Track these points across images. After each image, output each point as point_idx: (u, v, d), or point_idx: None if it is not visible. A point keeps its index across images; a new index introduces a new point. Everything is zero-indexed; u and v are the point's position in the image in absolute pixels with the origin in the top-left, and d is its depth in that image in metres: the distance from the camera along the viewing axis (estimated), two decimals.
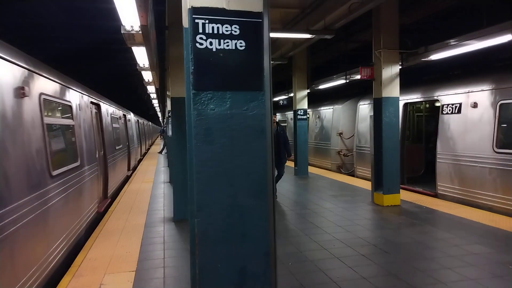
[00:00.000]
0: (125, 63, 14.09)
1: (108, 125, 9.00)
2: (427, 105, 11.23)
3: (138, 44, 5.52)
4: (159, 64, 9.32)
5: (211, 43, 1.78)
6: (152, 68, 7.67)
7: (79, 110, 6.20)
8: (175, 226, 6.40)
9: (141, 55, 6.88)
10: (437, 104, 9.90)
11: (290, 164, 14.71)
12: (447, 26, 8.40)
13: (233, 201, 1.81)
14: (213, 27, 1.78)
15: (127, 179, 12.33)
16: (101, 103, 8.21)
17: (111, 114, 9.49)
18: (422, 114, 11.51)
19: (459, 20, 8.36)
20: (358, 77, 10.14)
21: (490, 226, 5.97)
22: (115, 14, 4.84)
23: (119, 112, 11.09)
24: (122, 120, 11.67)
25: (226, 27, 1.80)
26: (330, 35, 8.20)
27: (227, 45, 1.80)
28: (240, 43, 1.82)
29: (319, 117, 14.44)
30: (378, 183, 7.76)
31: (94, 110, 7.53)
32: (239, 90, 1.82)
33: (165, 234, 5.94)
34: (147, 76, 9.32)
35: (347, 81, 10.69)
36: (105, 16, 8.46)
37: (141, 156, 20.82)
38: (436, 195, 8.51)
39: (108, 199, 8.24)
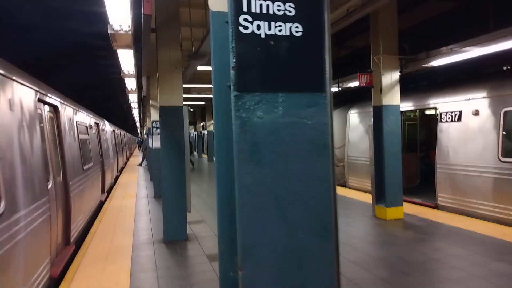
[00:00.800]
0: (103, 70, 13.37)
1: (72, 137, 6.57)
2: (420, 114, 11.03)
3: (125, 47, 4.97)
4: (141, 71, 8.75)
5: (258, 27, 1.30)
6: (138, 74, 7.09)
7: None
8: (166, 249, 5.79)
9: (126, 59, 6.30)
10: (434, 112, 9.68)
11: None
12: (446, 31, 8.20)
13: (289, 241, 1.32)
14: (261, 5, 1.30)
15: (101, 205, 9.73)
16: (59, 105, 5.81)
17: (77, 122, 7.15)
18: (414, 122, 11.29)
19: (459, 24, 8.17)
20: (352, 85, 9.86)
21: (504, 241, 5.64)
22: (95, 16, 4.32)
23: (89, 120, 8.55)
24: (94, 130, 9.26)
25: (278, 5, 1.32)
26: None
27: (280, 30, 1.32)
28: (296, 27, 1.34)
29: None
30: (380, 196, 7.38)
31: (47, 114, 5.11)
32: (294, 91, 1.34)
33: (156, 259, 5.33)
34: (130, 84, 8.70)
35: (340, 89, 10.36)
36: (85, 19, 7.86)
37: (118, 172, 18.04)
38: (436, 207, 8.19)
39: (72, 246, 5.54)
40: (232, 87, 1.31)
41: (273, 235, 1.31)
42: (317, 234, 1.35)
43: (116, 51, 6.70)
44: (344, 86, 10.12)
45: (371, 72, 7.59)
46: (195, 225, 7.15)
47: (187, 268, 4.94)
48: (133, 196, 11.09)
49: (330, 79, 1.42)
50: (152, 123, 10.99)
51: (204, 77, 14.19)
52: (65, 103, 6.32)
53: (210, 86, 15.82)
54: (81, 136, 7.24)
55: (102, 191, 10.42)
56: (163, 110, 6.28)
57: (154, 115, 11.18)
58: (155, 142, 10.77)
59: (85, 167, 7.26)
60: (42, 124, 4.67)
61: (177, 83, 6.30)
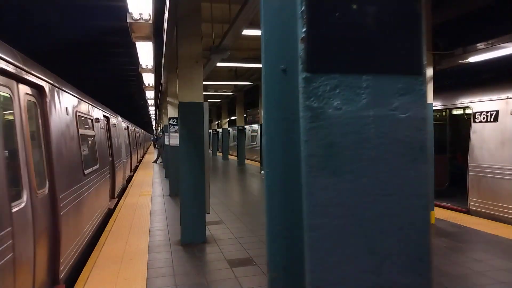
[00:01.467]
0: (119, 66, 13.14)
1: (68, 132, 4.88)
2: (449, 113, 10.48)
3: (144, 38, 4.66)
4: (161, 66, 8.45)
5: None
6: (157, 68, 6.79)
7: None
8: (184, 252, 5.48)
9: (145, 53, 6.01)
10: (463, 111, 9.17)
11: None
12: (481, 27, 7.69)
13: (374, 279, 0.96)
14: None
15: (110, 213, 8.27)
16: (47, 86, 4.09)
17: (77, 113, 5.51)
18: (442, 123, 10.75)
19: (495, 21, 7.66)
20: None
21: None
22: (113, 10, 4.04)
23: (95, 112, 6.89)
24: (102, 125, 7.66)
25: None
26: None
27: None
28: None
29: None
30: None
31: (23, 98, 3.48)
32: (384, 72, 0.98)
33: (174, 264, 5.02)
34: (148, 79, 8.42)
35: None
36: (101, 13, 7.61)
37: (132, 171, 16.56)
38: (468, 212, 7.70)
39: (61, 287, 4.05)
40: (300, 67, 0.96)
41: (355, 271, 0.95)
42: (410, 269, 0.99)
43: (134, 44, 6.42)
44: None
45: None
46: (213, 226, 6.83)
47: (207, 275, 4.62)
48: (149, 194, 10.86)
49: (423, 58, 1.05)
50: (169, 120, 10.73)
51: (220, 74, 13.89)
52: (57, 85, 4.54)
53: (228, 83, 15.53)
54: (82, 132, 5.69)
55: (112, 196, 8.97)
56: (182, 106, 5.97)
57: (171, 112, 10.92)
58: (172, 140, 10.51)
59: (87, 171, 5.69)
60: (12, 112, 3.22)
61: (197, 78, 5.98)
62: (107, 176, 7.74)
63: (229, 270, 4.71)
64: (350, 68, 0.99)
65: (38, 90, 3.92)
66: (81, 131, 5.55)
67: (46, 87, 4.07)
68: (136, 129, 23.84)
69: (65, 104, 4.90)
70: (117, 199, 9.39)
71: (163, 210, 8.59)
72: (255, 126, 22.69)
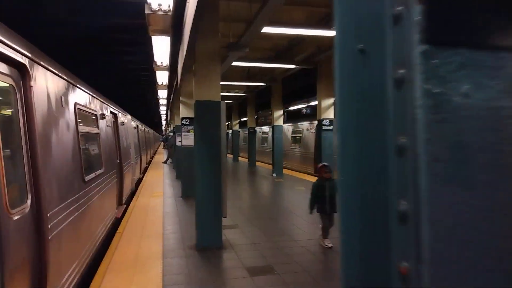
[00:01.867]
0: (132, 65, 12.97)
1: (61, 127, 3.80)
2: None
3: (162, 32, 4.44)
4: (176, 63, 8.22)
5: None
6: (172, 65, 6.57)
7: None
8: (199, 258, 5.23)
9: (161, 48, 5.78)
10: None
11: (313, 179, 13.56)
12: None
13: None
14: None
15: (118, 221, 7.37)
16: (30, 65, 2.99)
17: (77, 105, 4.44)
18: None
19: None
20: None
21: None
22: (128, 5, 3.82)
23: (100, 106, 5.92)
24: (109, 122, 6.71)
25: None
26: None
27: None
28: None
29: None
30: None
31: None
32: None
33: (190, 271, 4.77)
34: (162, 77, 8.21)
35: None
36: (116, 8, 7.41)
37: (141, 173, 15.81)
38: None
39: None
40: (418, 38, 0.70)
41: None
42: None
43: (148, 42, 6.20)
44: None
45: None
46: (228, 230, 6.58)
47: (226, 284, 4.36)
48: (160, 195, 10.66)
49: None
50: (182, 120, 10.52)
51: (233, 75, 13.66)
52: (48, 66, 3.41)
53: (241, 83, 15.28)
54: (83, 129, 4.68)
55: (120, 203, 8.05)
56: (198, 105, 5.73)
57: (184, 112, 10.71)
58: (185, 140, 10.30)
59: (88, 177, 4.65)
60: None
61: (215, 76, 5.74)
62: (114, 181, 6.83)
63: (249, 279, 4.45)
64: (483, 41, 0.72)
65: (18, 70, 2.83)
66: (82, 129, 4.56)
67: (30, 66, 2.96)
68: (146, 129, 23.18)
69: (60, 92, 3.77)
70: (125, 205, 8.37)
71: (175, 212, 8.37)
72: (266, 128, 22.45)
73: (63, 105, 3.87)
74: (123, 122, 9.23)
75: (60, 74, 3.80)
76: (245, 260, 5.10)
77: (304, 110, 14.31)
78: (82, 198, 4.28)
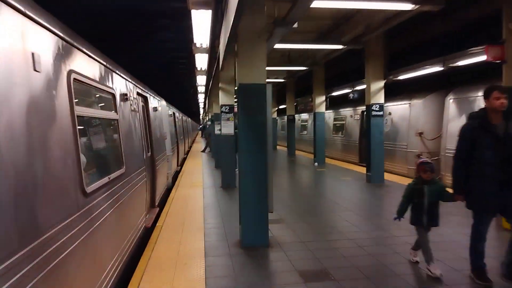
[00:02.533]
0: (169, 53, 12.55)
1: (30, 112, 2.08)
2: None
3: (203, 4, 3.89)
4: (216, 44, 7.66)
5: None
6: (213, 45, 6.04)
7: None
8: (245, 258, 4.73)
9: (201, 24, 5.24)
10: None
11: (358, 169, 12.77)
12: None
13: None
14: None
15: (150, 230, 5.97)
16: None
17: (72, 73, 2.78)
18: None
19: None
20: (464, 62, 8.09)
21: None
22: None
23: (120, 84, 4.50)
24: (135, 106, 5.39)
25: None
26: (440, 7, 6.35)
27: None
28: None
29: (390, 113, 12.36)
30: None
31: None
32: None
33: (236, 272, 4.29)
34: (201, 61, 7.68)
35: (444, 68, 8.60)
36: None
37: (179, 166, 14.47)
38: None
39: None
40: None
41: None
42: None
43: (189, 22, 5.68)
44: (451, 65, 8.34)
45: (502, 43, 5.91)
46: (274, 225, 6.03)
47: None
48: (200, 185, 10.31)
49: None
50: (222, 107, 10.05)
51: (272, 60, 12.97)
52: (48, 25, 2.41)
53: (281, 68, 14.54)
54: (85, 112, 3.18)
55: (152, 205, 6.78)
56: (242, 89, 5.18)
57: (223, 99, 10.23)
58: (225, 128, 9.82)
59: (93, 187, 3.11)
60: None
61: (260, 56, 5.15)
62: (142, 180, 5.43)
63: (303, 286, 3.89)
64: None
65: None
66: (82, 111, 2.99)
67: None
68: (184, 117, 22.06)
69: (23, 40, 2.08)
70: (158, 208, 7.00)
71: (216, 204, 7.95)
72: (304, 116, 21.66)
73: (36, 68, 2.18)
74: (156, 107, 7.85)
75: (54, 33, 2.53)
76: (296, 262, 4.54)
77: (351, 95, 13.38)
78: (78, 223, 2.68)
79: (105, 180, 3.48)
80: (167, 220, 6.66)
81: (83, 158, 2.93)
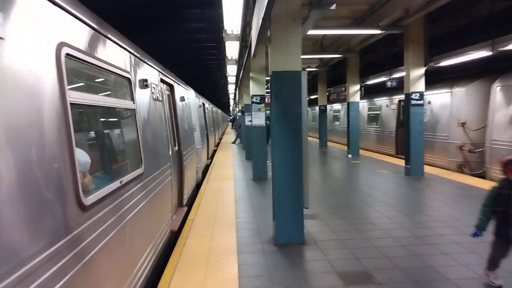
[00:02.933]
0: (198, 44, 12.33)
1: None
2: None
3: None
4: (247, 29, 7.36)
5: None
6: (244, 32, 5.76)
7: None
8: (280, 257, 4.47)
9: (233, 10, 4.97)
10: None
11: (395, 161, 12.20)
12: None
13: None
14: None
15: (174, 240, 5.29)
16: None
17: (62, 46, 2.09)
18: None
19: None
20: None
21: None
22: None
23: (138, 67, 3.89)
24: (158, 94, 4.74)
25: None
26: None
27: None
28: None
29: (429, 102, 11.68)
30: None
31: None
32: None
33: (270, 271, 4.04)
34: (231, 50, 7.42)
35: (493, 52, 7.93)
36: None
37: (209, 158, 14.02)
38: None
39: None
40: None
41: None
42: None
43: (220, 9, 5.42)
44: (500, 49, 7.67)
45: None
46: (309, 221, 5.74)
47: None
48: (231, 178, 10.14)
49: None
50: (252, 97, 9.79)
51: (304, 48, 12.54)
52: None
53: (314, 56, 14.07)
54: (85, 99, 2.43)
55: (180, 204, 6.22)
56: (275, 77, 4.87)
57: (254, 89, 9.96)
58: (256, 119, 9.57)
59: (95, 196, 2.37)
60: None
61: (295, 41, 4.83)
62: (167, 179, 4.82)
63: None
64: None
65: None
66: (79, 98, 2.30)
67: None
68: (214, 109, 21.68)
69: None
70: (186, 207, 6.41)
71: (248, 197, 7.73)
72: (336, 106, 21.06)
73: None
74: (183, 97, 7.20)
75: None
76: (335, 262, 4.24)
77: (388, 83, 12.75)
78: (75, 246, 2.02)
79: (114, 185, 2.72)
80: (199, 213, 6.51)
81: (82, 158, 2.36)
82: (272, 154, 4.93)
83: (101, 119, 3.17)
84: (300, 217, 4.89)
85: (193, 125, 8.72)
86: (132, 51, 3.68)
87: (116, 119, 3.43)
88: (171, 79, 6.03)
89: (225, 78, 15.15)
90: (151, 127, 4.17)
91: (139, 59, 4.00)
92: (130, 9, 9.08)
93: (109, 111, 3.13)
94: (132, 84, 3.51)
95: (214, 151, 17.86)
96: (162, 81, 5.25)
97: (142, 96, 3.89)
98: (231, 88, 19.28)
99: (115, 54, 3.11)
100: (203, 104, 13.10)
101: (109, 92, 3.22)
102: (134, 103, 3.51)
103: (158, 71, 5.02)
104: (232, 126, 35.47)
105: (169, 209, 5.02)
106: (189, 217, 6.30)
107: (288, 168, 4.83)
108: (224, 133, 36.14)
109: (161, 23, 9.94)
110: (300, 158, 4.85)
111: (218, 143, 23.37)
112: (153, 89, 4.43)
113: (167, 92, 5.87)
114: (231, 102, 39.99)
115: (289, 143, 4.83)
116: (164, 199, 4.63)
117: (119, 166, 3.38)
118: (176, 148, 6.13)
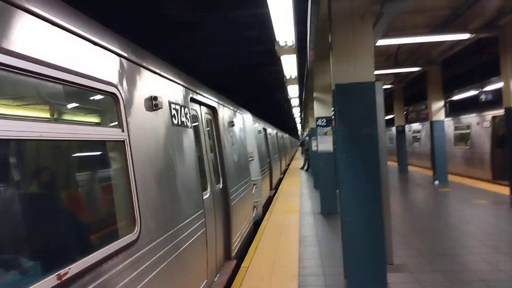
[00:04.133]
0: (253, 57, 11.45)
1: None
2: None
3: None
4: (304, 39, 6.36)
5: None
6: (300, 44, 4.81)
7: None
8: None
9: (283, 17, 4.05)
10: None
11: (493, 187, 10.05)
12: None
13: None
14: None
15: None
16: None
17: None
18: None
19: None
20: None
21: None
22: None
23: (137, 81, 2.71)
24: (183, 118, 3.59)
25: None
26: None
27: None
28: None
29: None
30: None
31: None
32: None
33: None
34: (289, 67, 6.46)
35: None
36: None
37: (273, 189, 12.84)
38: None
39: None
40: None
41: None
42: None
43: (268, 16, 4.53)
44: None
45: None
46: (392, 276, 4.35)
47: None
48: (296, 211, 9.00)
49: None
50: (317, 120, 8.68)
51: (376, 62, 11.18)
52: None
53: (387, 71, 12.62)
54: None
55: (227, 256, 5.08)
56: (340, 91, 3.79)
57: (319, 110, 8.86)
58: (322, 144, 8.41)
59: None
60: None
61: (365, 44, 3.73)
62: (196, 234, 3.55)
63: None
64: None
65: None
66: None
67: None
68: (280, 133, 20.25)
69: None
70: (235, 261, 5.14)
71: (315, 238, 6.53)
72: (416, 126, 18.96)
73: None
74: (233, 122, 6.17)
75: None
76: None
77: (482, 97, 10.85)
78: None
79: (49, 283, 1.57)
80: (255, 259, 5.48)
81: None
82: (339, 191, 3.78)
83: (45, 162, 2.11)
84: (381, 277, 3.63)
85: (250, 154, 7.81)
86: (123, 54, 2.55)
87: (79, 158, 2.37)
88: (210, 99, 4.88)
89: (288, 101, 14.19)
90: (163, 165, 2.96)
91: (141, 66, 2.82)
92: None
93: (63, 146, 2.12)
94: (120, 103, 2.39)
95: (281, 179, 16.77)
96: (194, 101, 4.21)
97: (145, 121, 2.75)
98: (296, 111, 18.23)
99: (80, 53, 2.05)
100: (264, 129, 12.10)
101: (69, 115, 2.30)
102: (123, 131, 2.38)
103: (185, 87, 3.82)
104: (302, 151, 34.30)
105: (202, 273, 3.77)
106: (242, 265, 5.29)
107: (362, 211, 3.64)
108: (293, 158, 35.03)
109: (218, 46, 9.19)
110: (379, 195, 3.64)
111: (286, 170, 22.29)
112: (174, 111, 3.35)
113: (208, 116, 4.90)
114: (299, 126, 38.98)
115: (362, 176, 3.67)
116: (191, 264, 3.42)
117: (73, 241, 2.15)
118: (221, 185, 5.06)
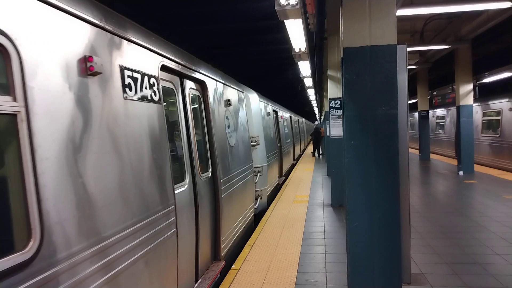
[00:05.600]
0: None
1: None
2: None
3: None
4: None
5: None
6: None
7: None
8: None
9: None
10: None
11: None
12: None
13: None
14: None
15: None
16: None
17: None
18: None
19: None
20: None
21: None
22: None
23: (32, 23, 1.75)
24: (145, 88, 2.70)
25: None
26: None
27: None
28: None
29: None
30: None
31: None
32: None
33: None
34: (296, 34, 5.51)
35: None
36: None
37: (283, 175, 11.94)
38: None
39: None
40: None
41: None
42: None
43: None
44: None
45: None
46: (407, 287, 3.57)
47: None
48: (304, 201, 8.20)
49: None
50: (330, 102, 7.77)
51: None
52: None
53: (414, 48, 11.32)
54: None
55: (216, 257, 4.39)
56: (348, 58, 2.90)
57: (332, 91, 7.93)
58: (334, 129, 7.52)
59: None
60: None
61: None
62: (162, 241, 2.83)
63: None
64: None
65: None
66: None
67: None
68: (294, 117, 18.83)
69: None
70: (223, 262, 4.38)
71: (321, 235, 5.73)
72: (441, 111, 17.68)
73: None
74: (230, 100, 5.27)
75: None
76: None
77: None
78: None
79: None
80: (249, 258, 4.74)
81: None
82: (346, 189, 2.94)
83: None
84: None
85: (254, 138, 6.97)
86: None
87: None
88: (196, 71, 4.00)
89: (301, 81, 13.17)
90: (97, 152, 2.13)
91: (67, 12, 2.02)
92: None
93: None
94: (13, 59, 1.65)
95: (293, 165, 15.85)
96: (170, 71, 3.42)
97: (69, 90, 1.95)
98: (311, 92, 17.15)
99: None
100: (275, 111, 11.13)
101: None
102: (15, 100, 1.64)
103: (152, 51, 2.95)
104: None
105: (170, 283, 3.00)
106: (233, 267, 4.55)
107: (373, 215, 2.79)
108: (309, 143, 34.00)
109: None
110: (396, 196, 2.78)
111: (300, 155, 21.32)
112: (129, 80, 2.54)
113: (194, 92, 4.07)
114: (316, 109, 37.73)
115: (375, 171, 2.80)
116: (148, 276, 2.61)
117: None
118: (209, 174, 4.26)
